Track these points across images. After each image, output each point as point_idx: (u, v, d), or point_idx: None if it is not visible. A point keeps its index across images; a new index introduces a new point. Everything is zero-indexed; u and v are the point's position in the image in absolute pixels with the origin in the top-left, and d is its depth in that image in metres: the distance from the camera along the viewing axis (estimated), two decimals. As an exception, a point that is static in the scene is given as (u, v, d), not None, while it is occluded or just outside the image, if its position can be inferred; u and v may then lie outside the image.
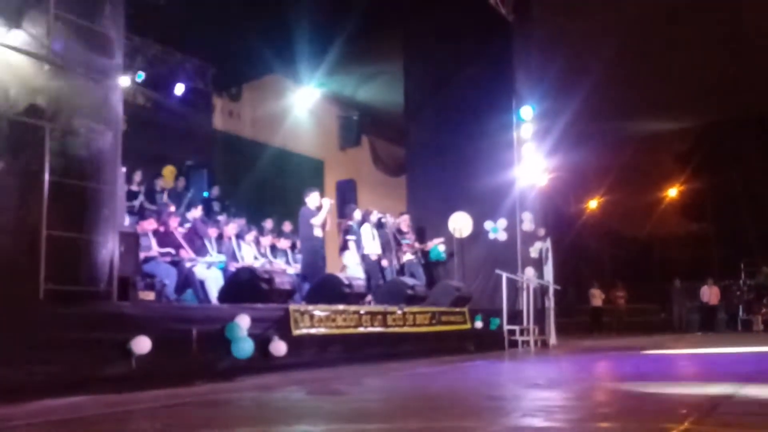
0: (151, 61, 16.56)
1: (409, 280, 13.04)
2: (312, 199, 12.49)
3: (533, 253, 15.51)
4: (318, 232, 12.40)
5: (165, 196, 13.69)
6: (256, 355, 8.13)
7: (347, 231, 13.62)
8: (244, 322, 8.12)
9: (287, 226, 14.26)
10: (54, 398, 5.83)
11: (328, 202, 12.65)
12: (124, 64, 7.88)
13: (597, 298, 25.43)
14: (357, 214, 13.80)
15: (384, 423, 4.86)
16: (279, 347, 8.53)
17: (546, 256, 15.72)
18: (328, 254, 13.25)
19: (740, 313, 25.89)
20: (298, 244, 13.64)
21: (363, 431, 4.59)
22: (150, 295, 9.63)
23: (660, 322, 28.04)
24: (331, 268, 13.61)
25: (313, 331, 9.25)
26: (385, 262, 13.85)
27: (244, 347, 8.00)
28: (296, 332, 8.94)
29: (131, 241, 8.19)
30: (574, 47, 18.79)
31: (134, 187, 13.09)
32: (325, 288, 11.01)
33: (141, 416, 5.40)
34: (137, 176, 13.26)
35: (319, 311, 9.51)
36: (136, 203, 12.89)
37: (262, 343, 8.29)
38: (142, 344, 6.82)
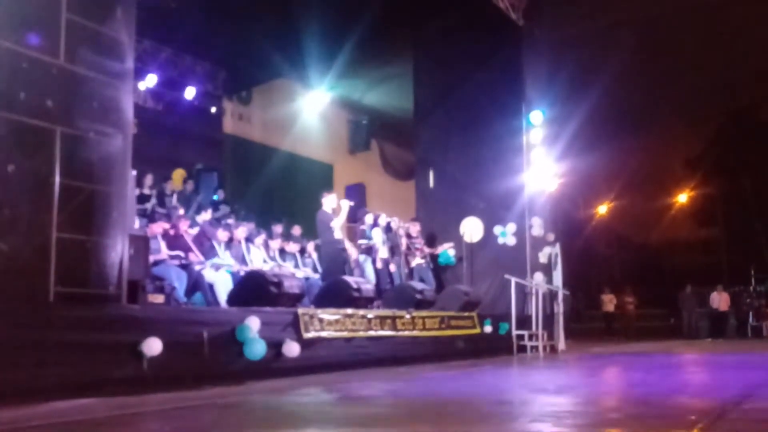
0: (162, 64, 16.63)
1: (417, 285, 13.02)
2: (329, 202, 12.46)
3: (542, 258, 15.48)
4: (338, 234, 12.40)
5: (174, 199, 13.73)
6: (266, 358, 8.13)
7: (359, 235, 13.62)
8: (254, 323, 8.12)
9: (296, 230, 14.27)
10: (64, 400, 5.84)
11: (347, 204, 12.64)
12: (135, 68, 7.90)
13: (608, 303, 25.36)
14: (369, 218, 13.79)
15: (392, 428, 4.86)
16: (292, 348, 8.54)
17: (555, 261, 15.69)
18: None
19: (750, 319, 25.77)
20: (309, 248, 13.64)
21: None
22: (159, 298, 9.62)
23: (669, 327, 27.95)
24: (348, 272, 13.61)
25: (323, 334, 9.25)
26: (393, 267, 13.85)
27: (257, 348, 8.00)
28: (307, 335, 8.94)
29: (141, 243, 8.20)
30: (584, 52, 18.78)
31: (146, 191, 13.13)
32: (333, 292, 11.01)
33: (151, 418, 5.42)
34: (148, 180, 13.30)
35: (328, 315, 9.51)
36: (149, 206, 12.93)
37: (272, 346, 8.29)
38: (154, 346, 6.83)
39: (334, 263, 12.43)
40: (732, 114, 31.84)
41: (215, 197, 15.83)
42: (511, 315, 13.92)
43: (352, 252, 13.98)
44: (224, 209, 14.94)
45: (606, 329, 25.24)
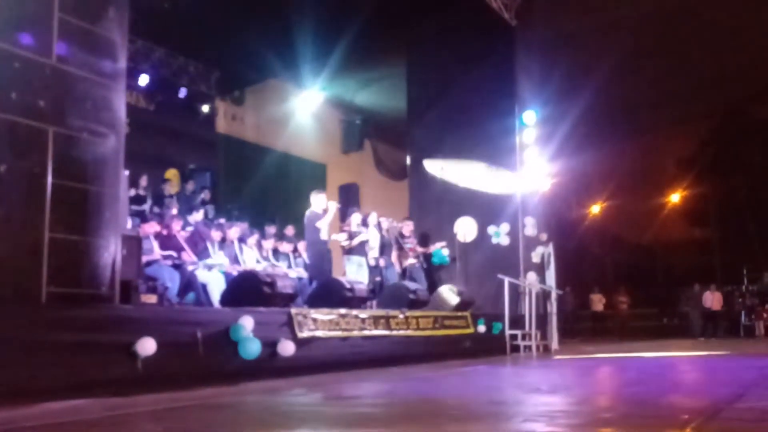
0: (154, 64, 16.61)
1: (411, 285, 13.02)
2: (318, 202, 12.47)
3: (535, 257, 15.51)
4: (324, 236, 12.40)
5: (175, 201, 13.69)
6: (260, 358, 8.12)
7: (349, 235, 13.61)
8: (248, 323, 8.11)
9: (290, 230, 14.26)
10: (57, 401, 5.82)
11: (334, 206, 12.62)
12: (127, 68, 7.88)
13: (597, 303, 25.40)
14: (356, 218, 13.77)
15: (385, 428, 4.85)
16: (287, 347, 8.53)
17: (548, 260, 15.72)
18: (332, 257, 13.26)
19: (742, 318, 25.85)
20: (300, 247, 13.62)
21: (365, 435, 4.59)
22: (152, 299, 9.59)
23: (662, 327, 28.03)
24: (333, 272, 13.59)
25: (316, 334, 9.24)
26: (382, 263, 13.86)
27: (252, 347, 7.98)
28: (301, 335, 8.93)
29: (133, 244, 8.19)
30: (577, 51, 18.81)
31: (141, 192, 13.10)
32: (326, 292, 11.01)
33: (143, 419, 5.40)
34: (143, 180, 13.28)
35: (321, 315, 9.50)
36: (146, 207, 12.89)
37: (266, 346, 8.27)
38: (148, 346, 6.81)
39: (320, 263, 12.45)
40: (725, 113, 31.90)
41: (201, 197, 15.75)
42: (504, 315, 13.93)
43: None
44: (210, 210, 14.86)
45: (594, 328, 25.29)
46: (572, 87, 18.35)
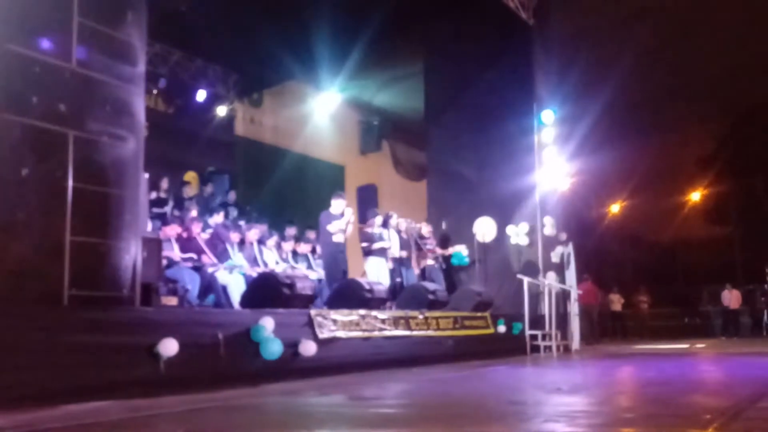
0: (173, 67, 16.69)
1: (430, 286, 13.01)
2: (336, 206, 12.50)
3: (555, 257, 15.44)
4: (338, 238, 12.41)
5: (194, 203, 13.75)
6: (281, 359, 8.13)
7: (369, 236, 13.61)
8: (269, 323, 8.12)
9: (311, 234, 14.27)
10: (78, 403, 5.86)
11: (350, 212, 12.62)
12: (146, 71, 7.92)
13: (616, 302, 25.28)
14: (379, 219, 13.77)
15: (406, 428, 4.85)
16: (309, 347, 8.54)
17: (568, 260, 15.66)
18: (350, 259, 13.23)
19: (765, 317, 25.64)
20: (319, 249, 13.65)
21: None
22: (173, 301, 9.66)
23: (683, 326, 27.85)
24: (353, 273, 13.59)
25: (336, 335, 9.25)
26: (402, 264, 13.86)
27: (274, 347, 8.00)
28: (321, 336, 8.94)
29: (154, 246, 8.22)
30: (595, 48, 18.75)
31: (162, 194, 13.16)
32: (346, 293, 11.01)
33: (165, 420, 5.43)
34: (164, 183, 13.32)
35: (341, 316, 9.51)
36: (167, 209, 12.94)
37: (287, 347, 8.29)
38: (170, 347, 6.84)
39: (332, 264, 12.47)
40: (746, 111, 31.69)
41: (226, 198, 15.81)
42: (524, 315, 13.89)
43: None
44: (233, 211, 14.92)
45: (612, 328, 25.15)
46: (591, 85, 18.30)
